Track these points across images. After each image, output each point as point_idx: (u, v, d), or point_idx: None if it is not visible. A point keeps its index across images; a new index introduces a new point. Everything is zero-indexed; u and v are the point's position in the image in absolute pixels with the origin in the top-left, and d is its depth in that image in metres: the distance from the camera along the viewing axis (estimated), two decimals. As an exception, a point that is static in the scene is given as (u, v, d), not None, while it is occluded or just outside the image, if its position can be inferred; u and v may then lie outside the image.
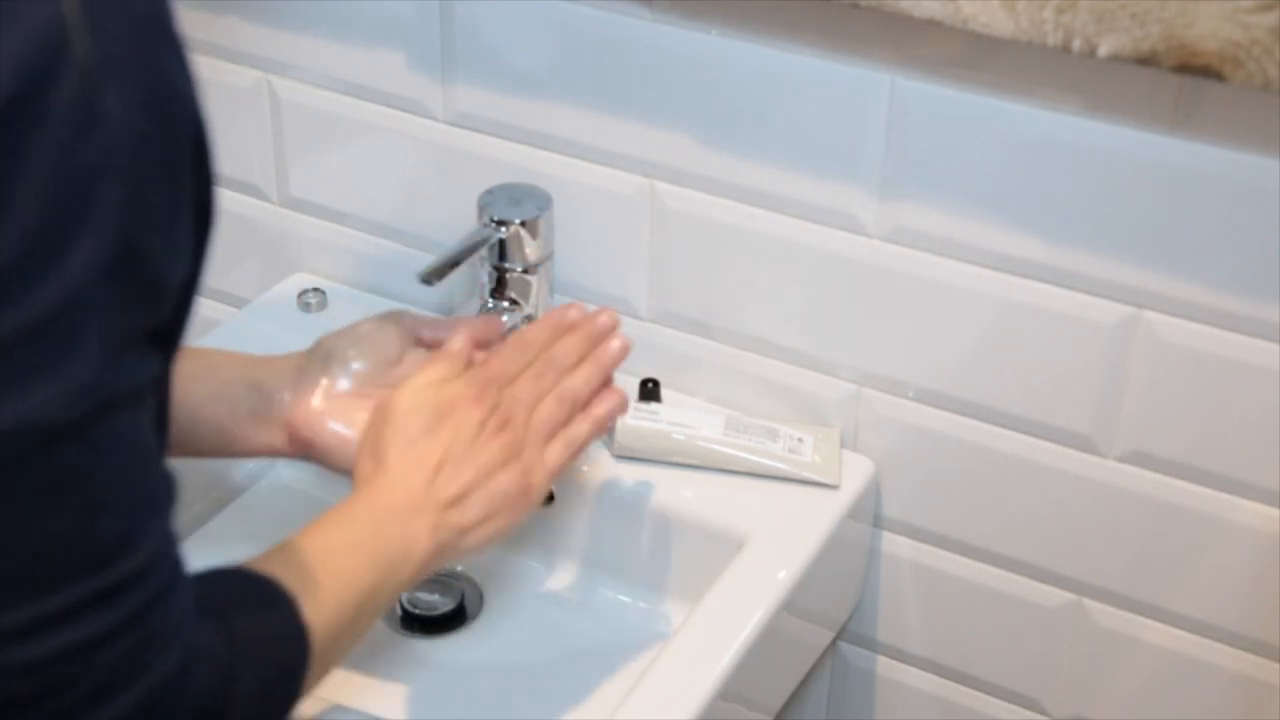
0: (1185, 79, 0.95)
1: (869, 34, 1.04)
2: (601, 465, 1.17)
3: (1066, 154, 1.01)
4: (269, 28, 1.27)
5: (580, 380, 0.99)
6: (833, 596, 1.20)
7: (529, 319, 1.17)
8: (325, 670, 0.81)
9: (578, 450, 0.99)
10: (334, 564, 0.84)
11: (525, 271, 1.16)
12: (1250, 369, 1.02)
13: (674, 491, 1.15)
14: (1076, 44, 0.93)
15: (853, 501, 1.15)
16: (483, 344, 1.02)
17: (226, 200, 1.36)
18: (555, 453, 0.97)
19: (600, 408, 1.00)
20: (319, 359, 1.01)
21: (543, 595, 1.20)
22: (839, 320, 1.15)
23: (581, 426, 0.99)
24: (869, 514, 1.19)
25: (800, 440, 1.16)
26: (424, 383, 0.95)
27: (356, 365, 1.00)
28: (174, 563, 0.68)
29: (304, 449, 0.99)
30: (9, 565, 0.61)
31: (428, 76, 1.21)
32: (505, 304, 1.17)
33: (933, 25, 0.97)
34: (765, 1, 1.06)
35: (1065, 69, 0.98)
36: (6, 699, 0.62)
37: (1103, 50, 0.92)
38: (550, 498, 1.19)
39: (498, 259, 1.16)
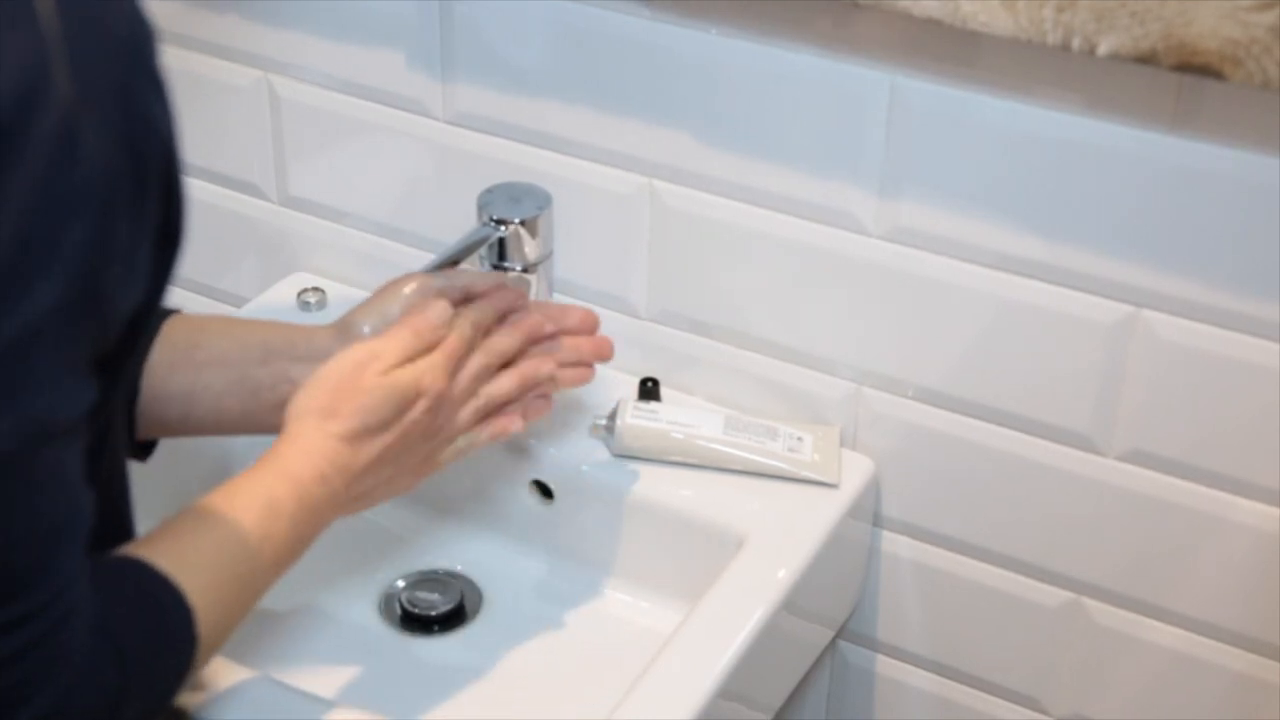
0: (1185, 77, 0.95)
1: (869, 33, 1.04)
2: (601, 464, 1.17)
3: (1066, 153, 1.01)
4: (269, 27, 1.27)
5: (503, 390, 1.00)
6: (832, 595, 1.20)
7: (528, 318, 1.17)
8: (203, 665, 0.82)
9: (465, 454, 1.00)
10: (243, 565, 0.83)
11: (525, 270, 1.16)
12: (1249, 368, 1.02)
13: (673, 490, 1.15)
14: (1076, 43, 0.93)
15: (852, 500, 1.15)
16: (503, 315, 1.03)
17: (226, 199, 1.37)
18: (448, 455, 0.99)
19: (497, 424, 1.01)
20: (352, 339, 0.99)
21: (542, 594, 1.20)
22: (838, 319, 1.15)
23: (479, 436, 1.00)
24: (868, 513, 1.19)
25: (800, 439, 1.16)
26: (398, 356, 0.94)
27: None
28: (78, 590, 0.68)
29: None
30: None
31: (427, 76, 1.21)
32: (505, 303, 1.17)
33: (932, 24, 0.97)
34: (765, 0, 1.06)
35: (1065, 68, 0.98)
36: None
37: (1102, 49, 0.92)
38: (549, 495, 1.20)
39: (497, 258, 1.16)
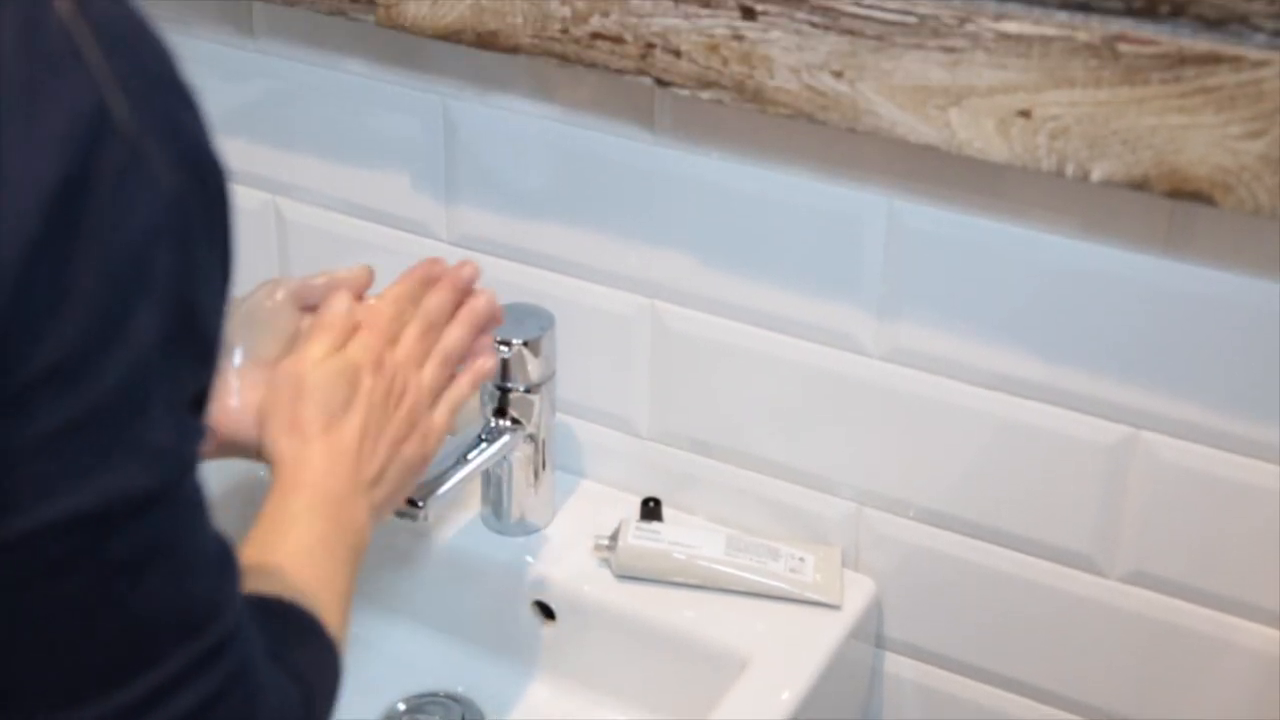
0: (1178, 203, 0.96)
1: (867, 158, 1.05)
2: (603, 585, 1.17)
3: (1063, 275, 1.02)
4: (276, 150, 1.28)
5: (454, 339, 1.02)
6: (836, 717, 1.19)
7: (530, 439, 1.18)
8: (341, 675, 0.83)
9: (459, 408, 1.01)
10: (320, 571, 0.85)
11: (528, 391, 1.17)
12: (1250, 489, 1.02)
13: (676, 611, 1.15)
14: (1070, 169, 0.94)
15: (855, 621, 1.15)
16: (360, 296, 1.02)
17: (232, 319, 1.37)
18: (442, 415, 0.99)
19: (477, 363, 1.03)
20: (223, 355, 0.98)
21: (544, 716, 1.19)
22: (839, 439, 1.15)
23: (461, 385, 1.01)
24: (871, 634, 1.19)
25: (801, 560, 1.16)
26: (324, 351, 0.95)
27: (261, 349, 0.98)
28: (249, 620, 0.69)
29: (229, 448, 0.96)
30: (115, 642, 0.61)
31: (432, 198, 1.23)
32: (507, 423, 1.17)
33: (929, 150, 0.99)
34: (765, 125, 1.07)
35: (1060, 193, 1.00)
36: None
37: (1095, 175, 0.93)
38: (551, 616, 1.19)
39: (500, 378, 1.16)
